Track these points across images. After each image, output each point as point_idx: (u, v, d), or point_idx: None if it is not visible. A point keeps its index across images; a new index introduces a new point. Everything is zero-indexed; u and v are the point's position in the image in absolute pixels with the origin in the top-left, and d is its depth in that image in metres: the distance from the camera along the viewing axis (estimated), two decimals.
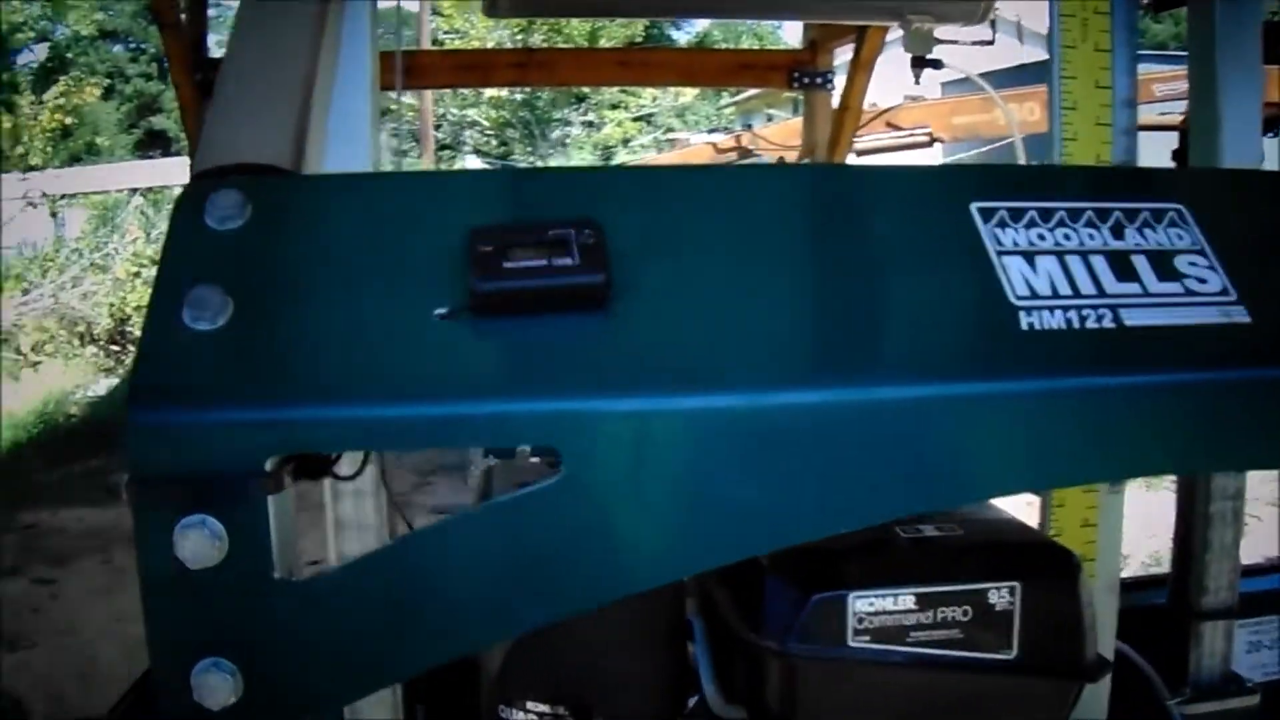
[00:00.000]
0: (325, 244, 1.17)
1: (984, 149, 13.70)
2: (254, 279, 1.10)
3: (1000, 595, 1.34)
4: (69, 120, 19.98)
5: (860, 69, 4.90)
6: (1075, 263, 1.19)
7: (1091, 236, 1.21)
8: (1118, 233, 1.23)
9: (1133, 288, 1.17)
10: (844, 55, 5.03)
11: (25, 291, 14.86)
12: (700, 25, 34.30)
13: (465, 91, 28.70)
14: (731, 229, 1.22)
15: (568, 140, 32.89)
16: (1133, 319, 1.15)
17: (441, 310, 1.08)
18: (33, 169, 18.41)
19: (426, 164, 26.35)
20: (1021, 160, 4.70)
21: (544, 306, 1.10)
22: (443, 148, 30.51)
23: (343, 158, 1.48)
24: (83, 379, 12.92)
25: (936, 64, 4.46)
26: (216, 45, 3.87)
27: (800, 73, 5.13)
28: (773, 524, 1.10)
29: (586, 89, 29.03)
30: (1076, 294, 1.16)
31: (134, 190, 18.82)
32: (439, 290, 1.09)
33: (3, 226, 16.81)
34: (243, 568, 1.01)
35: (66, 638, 6.19)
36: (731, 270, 1.17)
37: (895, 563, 1.37)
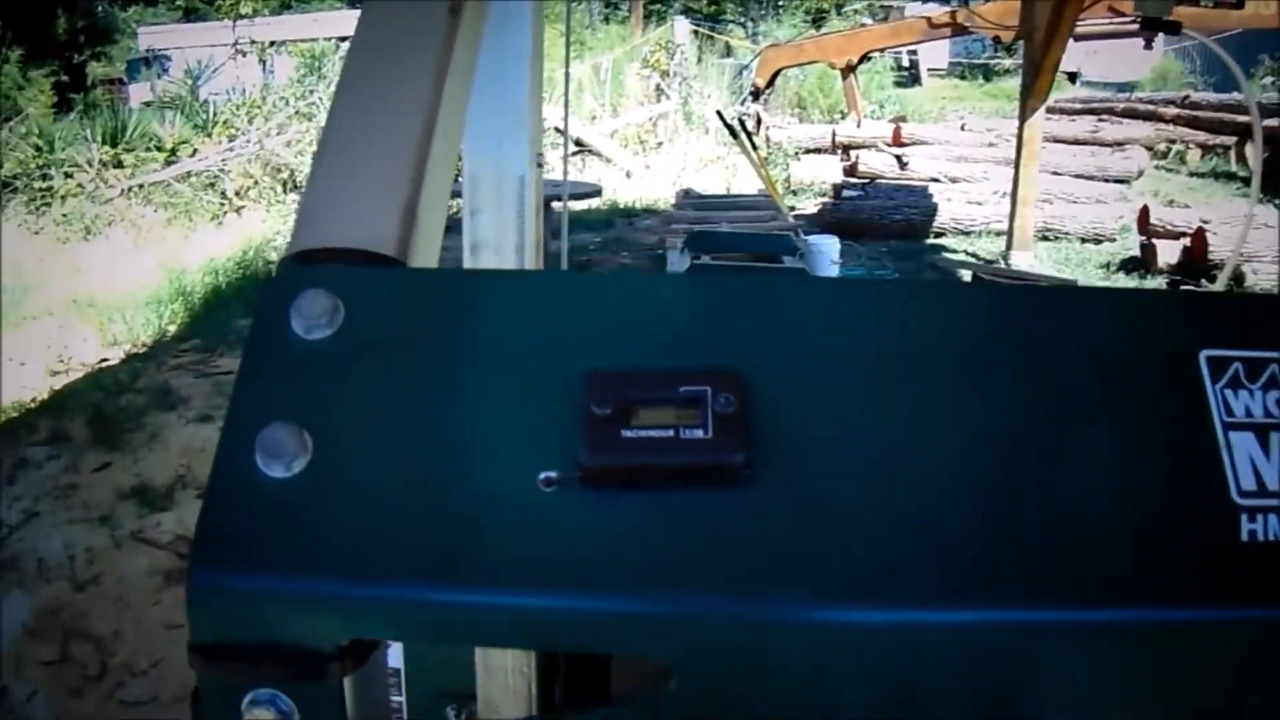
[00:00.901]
0: (426, 365, 1.01)
1: (1211, 38, 13.09)
2: (339, 410, 0.97)
3: None
4: None
5: None
6: None
7: None
8: None
9: None
10: None
11: (231, 138, 15.11)
12: None
13: None
14: (896, 370, 1.02)
15: (780, 3, 32.40)
16: None
17: (550, 474, 0.94)
18: (243, 17, 18.74)
19: (635, 22, 26.23)
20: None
21: (667, 484, 0.94)
22: (653, 1, 30.26)
23: (487, 171, 1.36)
24: (283, 225, 13.12)
25: (1173, 27, 4.10)
26: None
27: None
28: None
29: None
30: None
31: (341, 39, 18.76)
32: (555, 440, 0.95)
33: (208, 73, 17.18)
34: None
35: None
36: (889, 431, 0.99)
37: None
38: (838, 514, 0.94)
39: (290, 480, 0.92)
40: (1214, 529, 0.92)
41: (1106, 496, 0.95)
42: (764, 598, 0.90)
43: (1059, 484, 0.96)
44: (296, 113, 15.31)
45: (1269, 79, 18.26)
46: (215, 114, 16.07)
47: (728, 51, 24.32)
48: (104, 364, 8.61)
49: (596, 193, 11.12)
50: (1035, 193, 10.88)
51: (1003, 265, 10.55)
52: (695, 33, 23.13)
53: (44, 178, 13.96)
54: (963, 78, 30.65)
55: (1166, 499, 0.95)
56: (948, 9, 15.51)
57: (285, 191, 14.24)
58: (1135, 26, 12.58)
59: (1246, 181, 15.14)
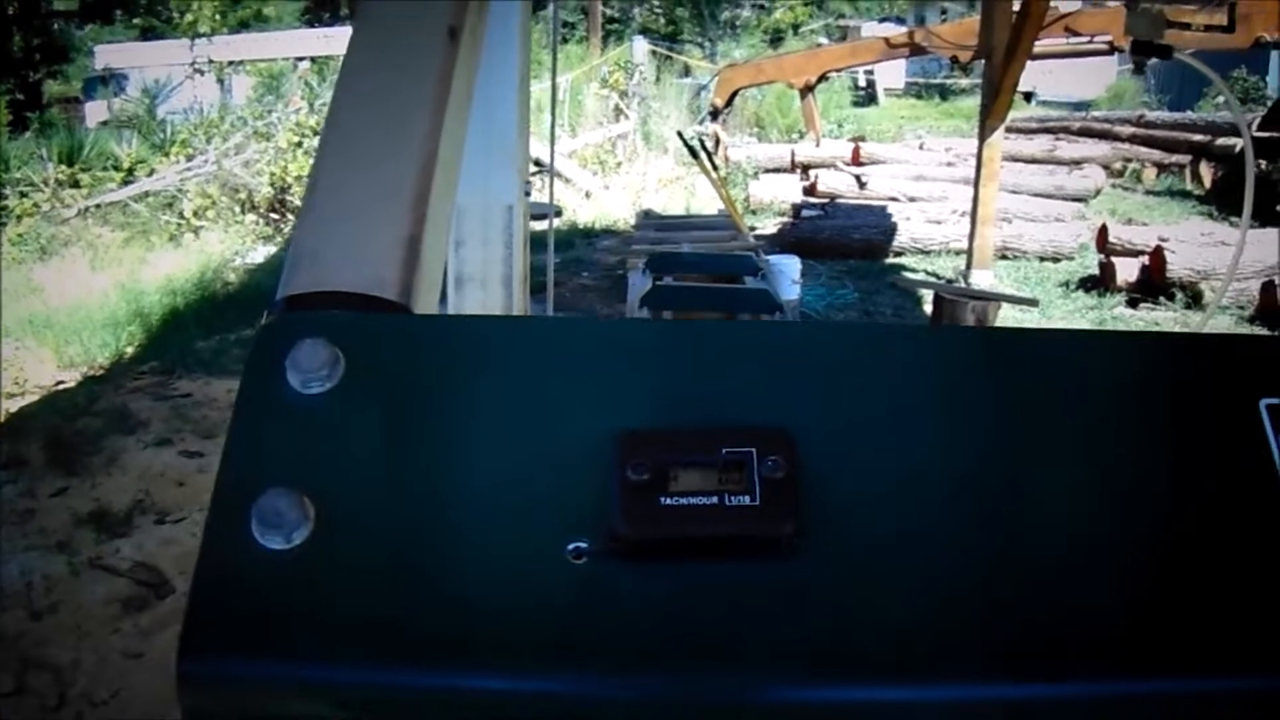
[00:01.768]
0: (437, 422, 0.91)
1: (1200, 64, 13.24)
2: (343, 473, 0.87)
3: None
4: None
5: None
6: None
7: None
8: None
9: None
10: None
11: (189, 158, 14.99)
12: None
13: None
14: (948, 423, 0.94)
15: (738, 23, 32.47)
16: None
17: (580, 545, 0.85)
18: (200, 36, 18.64)
19: (593, 42, 26.23)
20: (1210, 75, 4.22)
21: (710, 555, 0.85)
22: (610, 21, 30.28)
23: (475, 201, 1.30)
24: (241, 246, 13.03)
25: (1165, 52, 4.04)
26: None
27: None
28: None
29: None
30: None
31: (300, 59, 18.72)
32: (584, 507, 0.87)
33: (166, 92, 17.06)
34: None
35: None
36: (947, 493, 0.91)
37: None
38: (897, 587, 0.86)
39: (290, 553, 0.84)
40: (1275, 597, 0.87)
41: (1181, 559, 0.89)
42: (823, 678, 0.83)
43: (1131, 549, 0.90)
44: (255, 132, 15.18)
45: (1221, 98, 18.43)
46: (173, 133, 15.97)
47: (686, 72, 24.39)
48: (60, 386, 8.52)
49: (556, 213, 11.07)
50: (994, 212, 10.92)
51: (963, 284, 10.58)
52: (653, 53, 23.18)
53: None
54: (919, 97, 30.81)
55: (1228, 564, 0.89)
56: (905, 29, 15.56)
57: (243, 212, 14.13)
58: (1091, 46, 12.70)
59: (1202, 200, 15.27)
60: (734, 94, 17.64)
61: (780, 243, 12.04)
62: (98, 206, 14.03)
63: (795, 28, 31.93)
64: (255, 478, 0.86)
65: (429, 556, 0.86)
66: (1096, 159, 17.07)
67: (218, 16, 19.58)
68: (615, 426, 0.89)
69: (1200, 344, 1.01)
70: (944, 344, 1.05)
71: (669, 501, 0.85)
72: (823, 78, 17.44)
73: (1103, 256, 11.02)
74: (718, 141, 17.11)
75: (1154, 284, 10.15)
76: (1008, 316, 8.81)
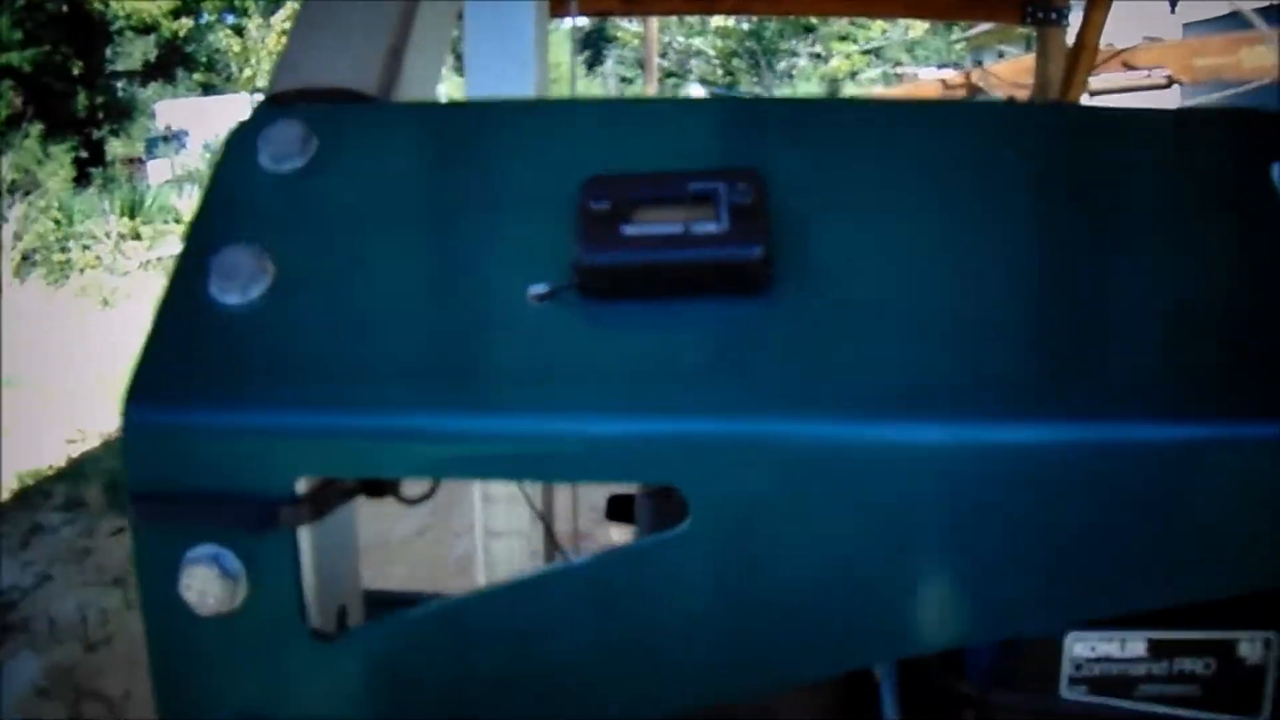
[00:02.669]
0: (401, 194, 0.91)
1: (1226, 93, 13.15)
2: (306, 238, 0.86)
3: (1252, 647, 1.03)
4: None
5: (1098, 5, 4.59)
6: None
7: None
8: None
9: None
10: None
11: None
12: None
13: (692, 20, 28.57)
14: (938, 181, 0.91)
15: (794, 71, 32.57)
16: None
17: (539, 289, 0.81)
18: (259, 90, 18.87)
19: (650, 93, 26.37)
20: None
21: (677, 289, 0.80)
22: (668, 75, 30.46)
23: (492, 80, 1.26)
24: None
25: None
26: None
27: (1034, 7, 4.85)
28: (986, 604, 0.82)
29: (814, 19, 28.63)
30: None
31: None
32: (541, 258, 0.83)
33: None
34: (265, 616, 0.78)
35: None
36: (933, 241, 0.87)
37: None
38: (868, 322, 0.82)
39: (247, 306, 0.82)
40: None
41: (1184, 312, 0.85)
42: (794, 415, 0.77)
43: (1131, 294, 0.85)
44: None
45: None
46: None
47: None
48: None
49: None
50: None
51: None
52: None
53: (62, 250, 13.98)
54: None
55: (1246, 311, 0.85)
56: (961, 70, 15.51)
57: None
58: (1149, 80, 12.62)
59: None
60: None
61: None
62: (159, 259, 14.15)
63: (853, 75, 31.93)
64: (218, 237, 0.84)
65: (388, 310, 0.83)
66: None
67: None
68: (582, 180, 0.85)
69: (1222, 112, 0.99)
70: (929, 114, 1.04)
71: (632, 231, 0.80)
72: None
73: None
74: None
75: None
76: None
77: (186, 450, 0.78)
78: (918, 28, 30.37)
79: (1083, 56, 4.91)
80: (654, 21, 22.20)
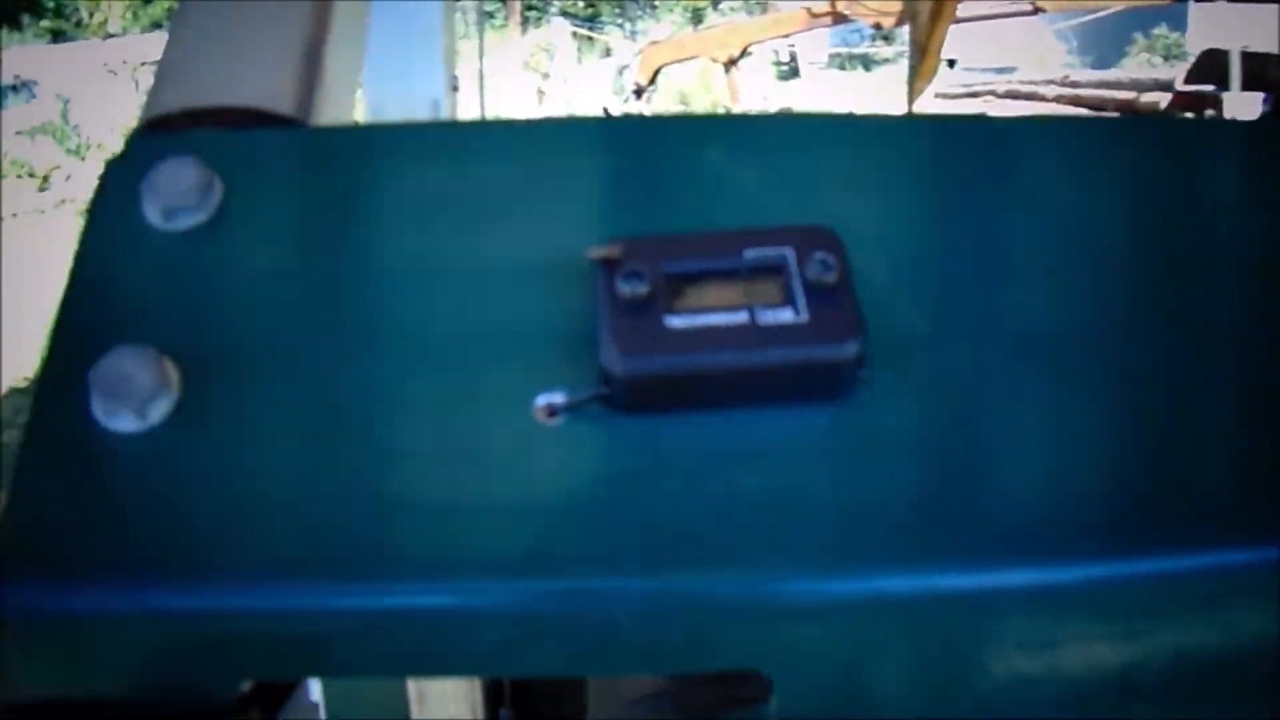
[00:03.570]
0: (347, 256, 0.68)
1: (1086, 19, 13.23)
2: (221, 330, 0.63)
3: None
4: None
5: None
6: None
7: None
8: None
9: None
10: None
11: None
12: None
13: None
14: (1043, 228, 0.73)
15: (657, 2, 32.32)
16: None
17: (552, 400, 0.61)
18: (111, 36, 18.31)
19: (513, 27, 26.05)
20: None
21: (739, 398, 0.61)
22: (529, 8, 30.11)
23: (394, 93, 1.05)
24: None
25: None
26: None
27: None
28: None
29: None
30: None
31: None
32: (541, 348, 0.63)
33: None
34: None
35: None
36: (1049, 308, 0.69)
37: None
38: (987, 429, 0.64)
39: (146, 436, 0.59)
40: None
41: None
42: (910, 567, 0.59)
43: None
44: None
45: (1145, 56, 18.50)
46: (88, 138, 15.69)
47: (608, 53, 24.24)
48: None
49: None
50: None
51: None
52: (574, 34, 23.02)
53: None
54: (842, 68, 30.76)
55: None
56: None
57: None
58: (1014, 8, 12.67)
59: None
60: (657, 71, 17.50)
61: None
62: (14, 215, 13.72)
63: (715, 4, 31.77)
64: (97, 338, 0.62)
65: (340, 435, 0.62)
66: None
67: (129, 16, 19.24)
68: (592, 240, 0.64)
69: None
70: (1019, 132, 0.83)
71: (680, 324, 0.60)
72: (745, 51, 17.32)
73: None
74: None
75: None
76: None
77: (78, 647, 0.58)
78: None
79: None
80: None
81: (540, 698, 1.22)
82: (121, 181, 0.70)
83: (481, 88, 3.41)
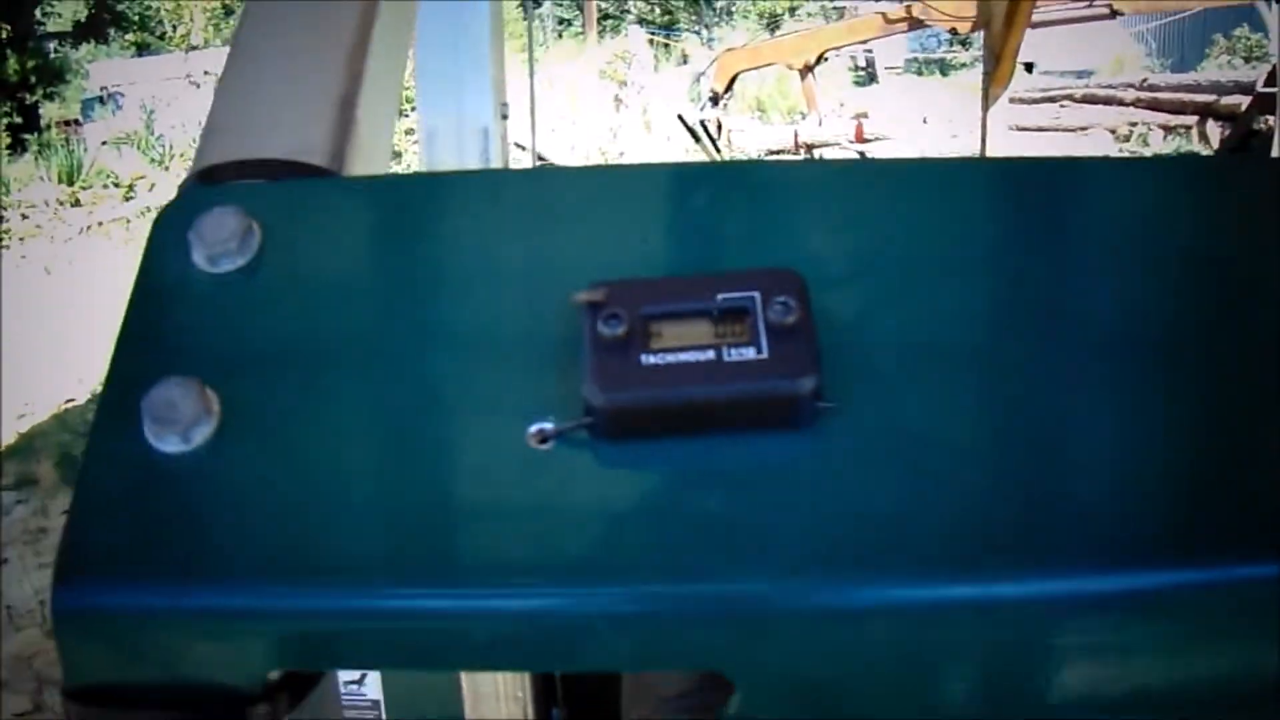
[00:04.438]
0: (371, 299, 0.77)
1: (1166, 20, 13.09)
2: (256, 360, 0.73)
3: None
4: None
5: None
6: None
7: None
8: None
9: None
10: None
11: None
12: None
13: None
14: (990, 266, 0.78)
15: (733, 9, 32.34)
16: None
17: (543, 426, 0.70)
18: (194, 49, 18.60)
19: (589, 36, 26.19)
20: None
21: (707, 426, 0.69)
22: (605, 17, 30.23)
23: (445, 121, 1.14)
24: None
25: None
26: None
27: None
28: None
29: None
30: None
31: None
32: (546, 384, 0.72)
33: (163, 107, 17.03)
34: None
35: None
36: (1007, 341, 0.74)
37: None
38: (942, 453, 0.69)
39: (189, 456, 0.69)
40: None
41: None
42: (859, 580, 0.65)
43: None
44: None
45: (1225, 57, 18.31)
46: (171, 148, 15.92)
47: (684, 60, 24.29)
48: (70, 403, 8.45)
49: None
50: None
51: None
52: (650, 42, 23.10)
53: None
54: (919, 74, 30.65)
55: None
56: (903, 4, 15.44)
57: None
58: (1091, 11, 12.57)
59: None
60: (734, 78, 17.53)
61: None
62: (100, 224, 13.94)
63: (792, 10, 31.75)
64: (148, 369, 0.71)
65: (359, 456, 0.71)
66: (1102, 124, 16.95)
67: (210, 28, 19.54)
68: (582, 285, 0.73)
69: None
70: (981, 175, 0.91)
71: (653, 361, 0.69)
72: (821, 58, 17.31)
73: None
74: (719, 126, 17.01)
75: None
76: None
77: (135, 638, 0.68)
78: None
79: None
80: None
81: (593, 699, 1.27)
82: (172, 228, 0.79)
83: (533, 109, 3.45)
